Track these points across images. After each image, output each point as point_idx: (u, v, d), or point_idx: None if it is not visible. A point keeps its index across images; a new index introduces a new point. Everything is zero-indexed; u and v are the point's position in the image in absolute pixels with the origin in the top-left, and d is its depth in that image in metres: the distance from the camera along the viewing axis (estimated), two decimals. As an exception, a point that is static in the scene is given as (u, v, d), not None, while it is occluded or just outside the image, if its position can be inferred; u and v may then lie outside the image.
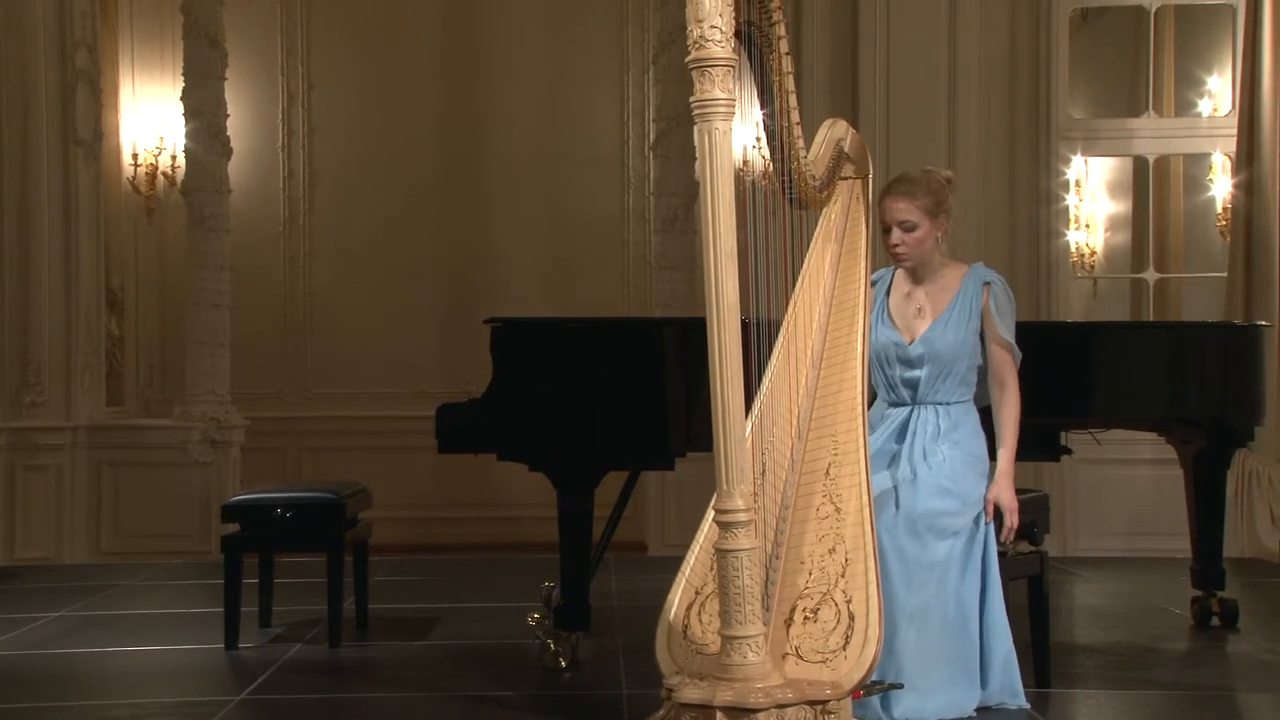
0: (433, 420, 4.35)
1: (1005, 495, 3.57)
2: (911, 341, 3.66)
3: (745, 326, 2.97)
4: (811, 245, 3.72)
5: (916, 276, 3.72)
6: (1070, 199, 7.41)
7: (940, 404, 3.62)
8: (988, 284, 3.66)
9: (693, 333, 4.25)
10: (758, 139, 3.38)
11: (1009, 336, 3.65)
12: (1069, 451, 5.02)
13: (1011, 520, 3.57)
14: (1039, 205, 7.07)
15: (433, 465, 7.09)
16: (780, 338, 3.54)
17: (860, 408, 3.37)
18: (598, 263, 8.12)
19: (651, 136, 7.76)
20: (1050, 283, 7.06)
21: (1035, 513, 3.80)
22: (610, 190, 8.18)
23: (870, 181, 3.77)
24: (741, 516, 2.94)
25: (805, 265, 3.68)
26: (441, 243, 8.16)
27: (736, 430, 2.91)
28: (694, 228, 7.17)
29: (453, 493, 7.87)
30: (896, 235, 3.64)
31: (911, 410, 3.65)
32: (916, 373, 3.65)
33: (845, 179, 3.75)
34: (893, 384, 3.70)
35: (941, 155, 6.84)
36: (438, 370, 7.97)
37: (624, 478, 4.89)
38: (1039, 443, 4.94)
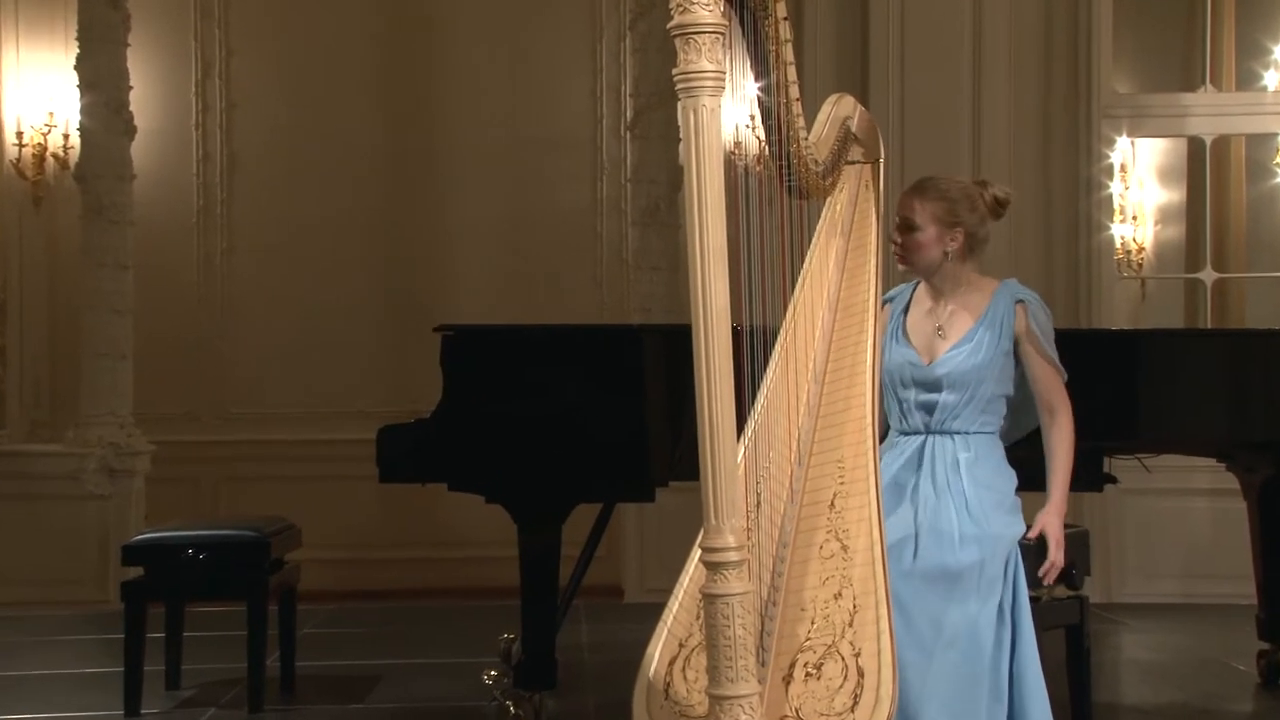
0: (373, 445, 4.35)
1: (1054, 526, 3.62)
2: (930, 362, 3.69)
3: (737, 335, 2.98)
4: (813, 240, 3.74)
5: (939, 292, 3.75)
6: (1114, 187, 7.46)
7: (959, 433, 3.65)
8: (1021, 302, 3.68)
9: (676, 342, 4.25)
10: (751, 117, 3.39)
11: (1055, 358, 3.68)
12: (1114, 480, 5.05)
13: (1056, 557, 3.61)
14: (1078, 195, 7.12)
15: (373, 497, 7.08)
16: (778, 348, 3.55)
17: (870, 429, 3.38)
18: (566, 261, 8.13)
19: (629, 115, 7.79)
20: (1091, 284, 7.10)
21: (1075, 552, 3.82)
22: (581, 177, 8.20)
23: (882, 167, 3.80)
24: (733, 556, 2.92)
25: (806, 264, 3.70)
26: (385, 237, 8.16)
27: (727, 456, 2.89)
28: (678, 220, 7.19)
29: (397, 529, 7.86)
30: (894, 231, 3.71)
31: (926, 439, 3.68)
32: (934, 397, 3.67)
33: (852, 164, 3.78)
34: (907, 409, 3.72)
35: (964, 137, 6.88)
36: (379, 386, 7.96)
37: (596, 511, 4.91)
38: (1078, 470, 4.97)
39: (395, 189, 8.18)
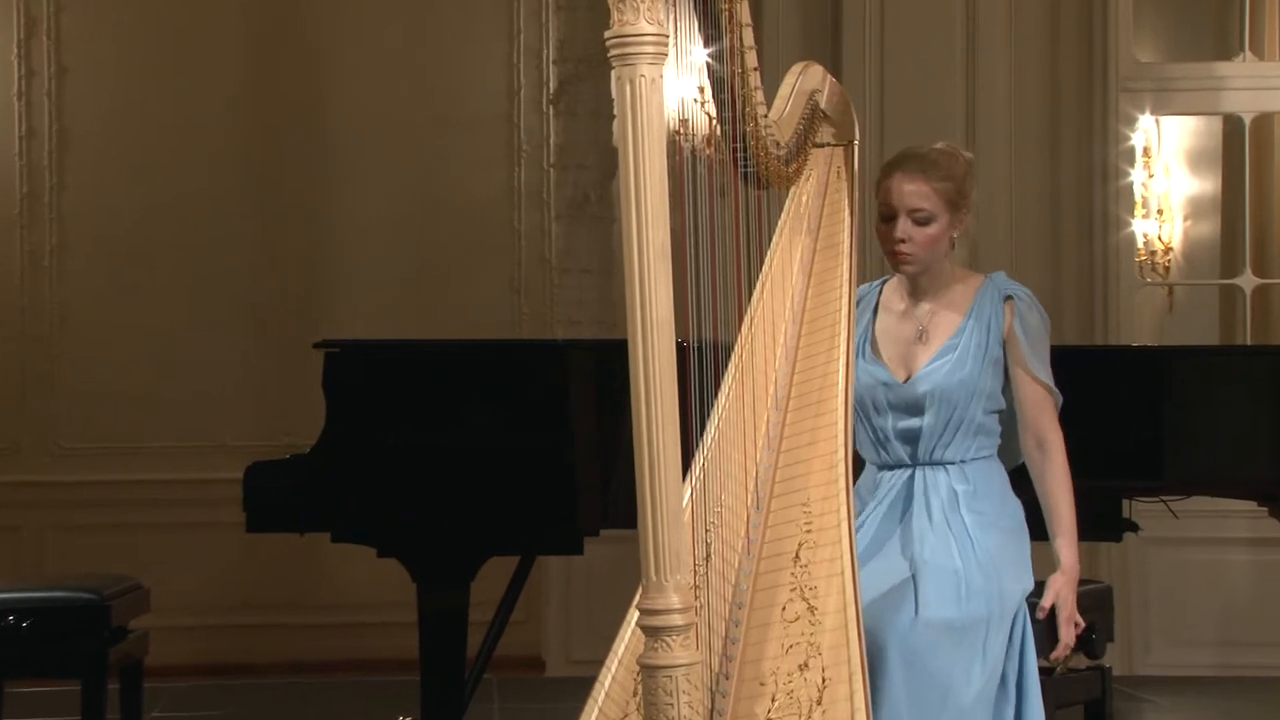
0: (239, 486, 4.34)
1: (1067, 598, 3.62)
2: (908, 379, 3.71)
3: (682, 352, 2.98)
4: (775, 238, 3.76)
5: (916, 290, 3.77)
6: (1135, 175, 7.52)
7: (951, 463, 3.67)
8: (1010, 298, 3.71)
9: (609, 360, 4.28)
10: (700, 90, 3.42)
11: (1044, 374, 3.68)
12: (1135, 528, 5.12)
13: (1067, 637, 3.63)
14: (1092, 184, 7.18)
15: (239, 550, 7.03)
16: (731, 368, 3.55)
17: (842, 466, 3.40)
18: (477, 262, 8.11)
19: (552, 86, 7.80)
20: (1108, 291, 7.16)
21: (1095, 613, 3.88)
22: (494, 161, 8.18)
23: (856, 150, 3.83)
24: (677, 619, 2.94)
25: (766, 267, 3.71)
26: (254, 233, 8.11)
27: (670, 498, 2.91)
28: (612, 214, 7.21)
29: (268, 590, 7.80)
30: (904, 228, 3.68)
31: (913, 473, 3.70)
32: (916, 422, 3.69)
33: (821, 146, 3.81)
34: (883, 439, 3.73)
35: (956, 115, 6.94)
36: (247, 415, 7.91)
37: (513, 566, 4.91)
38: (1094, 516, 5.02)
39: (267, 175, 8.12)
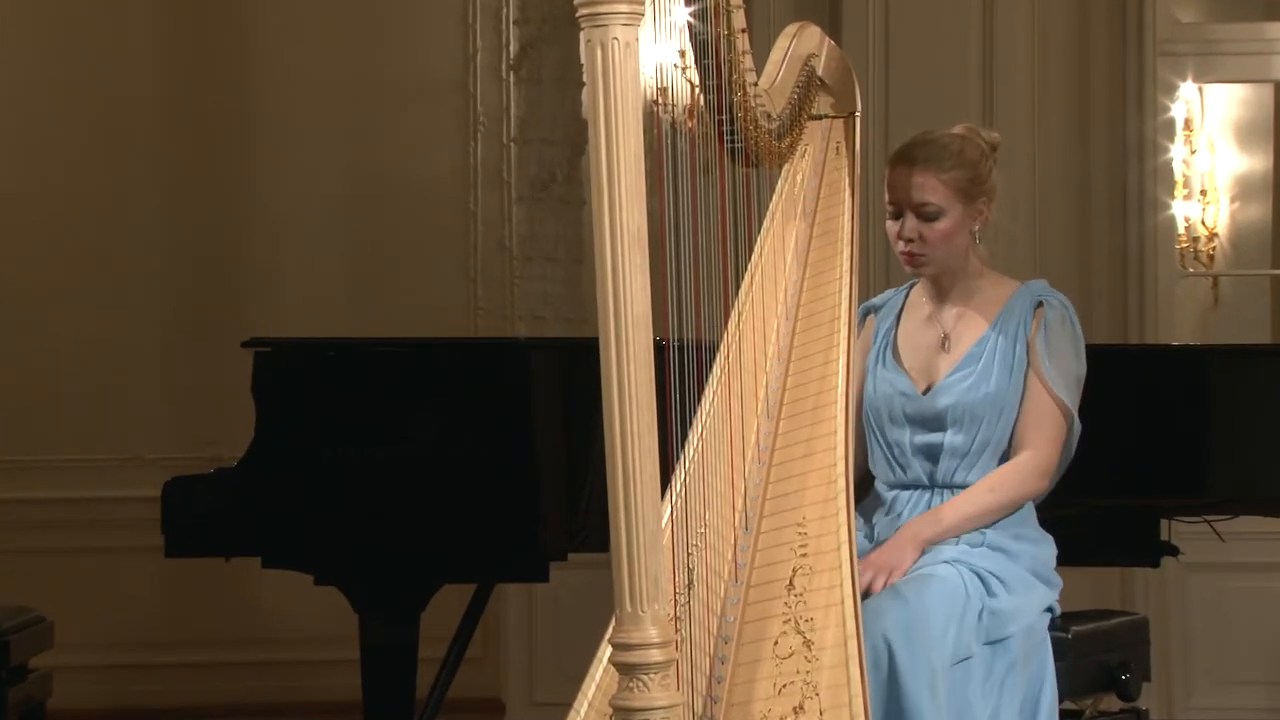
0: (156, 505, 4.33)
1: (912, 530, 3.60)
2: (928, 390, 3.74)
3: (661, 351, 3.00)
4: (766, 223, 3.79)
5: (939, 291, 3.82)
6: (1176, 150, 7.50)
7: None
8: (1041, 304, 3.74)
9: (578, 362, 4.28)
10: (681, 54, 3.43)
11: (1062, 391, 3.70)
12: (1174, 552, 5.13)
13: (882, 558, 3.56)
14: (1126, 162, 7.17)
15: (157, 578, 7.05)
16: (716, 370, 3.57)
17: (842, 480, 3.42)
18: (427, 250, 8.08)
19: (513, 50, 7.79)
20: (1144, 283, 7.16)
21: (1126, 650, 3.89)
22: (448, 135, 8.15)
23: (858, 123, 3.85)
24: (655, 655, 2.94)
25: (756, 255, 3.74)
26: (174, 219, 8.07)
27: (647, 517, 2.91)
28: (581, 195, 7.20)
29: (190, 623, 7.77)
30: (911, 226, 3.72)
31: (931, 497, 3.73)
32: (937, 438, 3.71)
33: (818, 119, 3.84)
34: (898, 455, 3.77)
35: (971, 83, 6.93)
36: (166, 424, 7.88)
37: (468, 595, 4.91)
38: (1126, 538, 5.06)
39: (185, 152, 8.08)
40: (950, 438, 3.69)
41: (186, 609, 7.71)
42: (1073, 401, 3.71)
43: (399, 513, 4.43)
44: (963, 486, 3.69)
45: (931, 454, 3.71)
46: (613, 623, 2.97)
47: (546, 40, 7.24)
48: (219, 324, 7.23)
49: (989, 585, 3.57)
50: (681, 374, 3.31)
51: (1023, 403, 3.69)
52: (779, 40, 3.72)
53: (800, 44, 3.72)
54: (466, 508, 4.46)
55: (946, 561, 3.58)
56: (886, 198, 3.76)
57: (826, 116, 3.85)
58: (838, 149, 3.83)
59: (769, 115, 3.57)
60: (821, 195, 3.82)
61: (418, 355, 4.70)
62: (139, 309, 8.02)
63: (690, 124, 3.41)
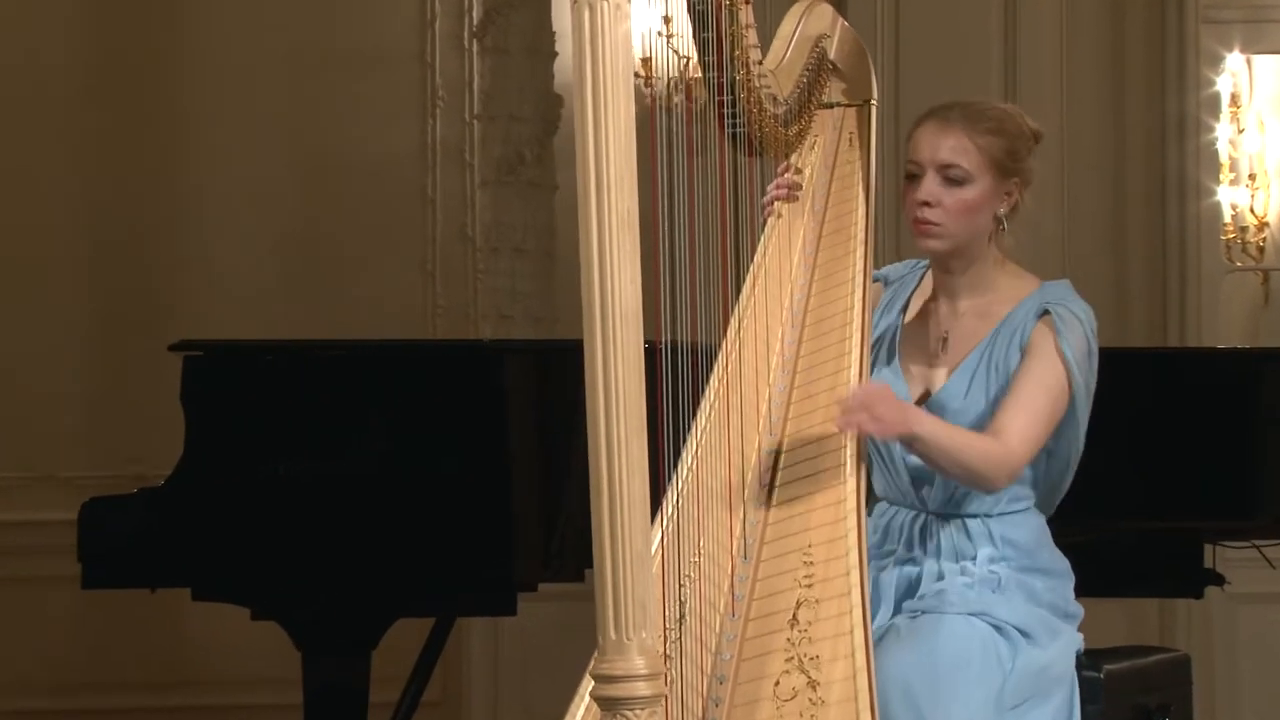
0: (73, 529, 4.31)
1: (904, 413, 3.52)
2: (924, 398, 3.73)
3: (651, 355, 2.98)
4: (770, 221, 3.79)
5: (950, 277, 3.78)
6: (1221, 130, 7.53)
7: (973, 516, 3.69)
8: (1048, 312, 3.65)
9: (552, 367, 4.28)
10: (666, 20, 3.40)
11: (1031, 420, 3.59)
12: (1220, 581, 5.14)
13: (857, 398, 3.46)
14: (1165, 142, 7.21)
15: (77, 611, 7.02)
16: (714, 381, 3.58)
17: (853, 502, 3.43)
18: (379, 240, 8.07)
19: (475, 15, 7.80)
20: (1185, 278, 7.18)
21: (1165, 691, 3.89)
22: (403, 111, 8.16)
23: (874, 111, 3.86)
24: (641, 688, 2.91)
25: (760, 256, 3.75)
26: (90, 206, 8.06)
27: (634, 533, 2.89)
28: (553, 178, 7.21)
29: (112, 662, 7.76)
30: (930, 188, 3.67)
31: (925, 520, 3.73)
32: None
33: (829, 107, 3.85)
34: (894, 470, 3.77)
35: (993, 57, 6.96)
36: (83, 438, 7.88)
37: (426, 629, 4.90)
38: (1165, 566, 5.06)
39: (107, 131, 8.08)
40: None
41: (107, 647, 7.69)
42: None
43: (347, 537, 4.46)
44: (959, 516, 3.68)
45: (923, 476, 3.71)
46: (595, 655, 2.94)
47: (514, 4, 7.24)
48: (143, 324, 7.24)
49: (1011, 639, 3.57)
50: (674, 382, 3.31)
51: (1009, 390, 3.63)
52: (786, 18, 3.76)
53: (810, 23, 3.75)
54: (423, 532, 4.49)
55: (964, 614, 3.57)
56: (908, 158, 3.73)
57: (839, 105, 3.85)
58: (850, 140, 3.85)
59: (774, 98, 3.59)
60: (832, 190, 3.84)
61: (368, 360, 4.73)
62: (52, 308, 8.00)
63: (682, 102, 3.40)
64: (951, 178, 3.64)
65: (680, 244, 3.28)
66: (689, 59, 3.40)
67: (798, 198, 3.83)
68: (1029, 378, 3.61)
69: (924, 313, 3.80)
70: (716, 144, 3.46)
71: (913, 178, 3.68)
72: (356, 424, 4.52)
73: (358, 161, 8.10)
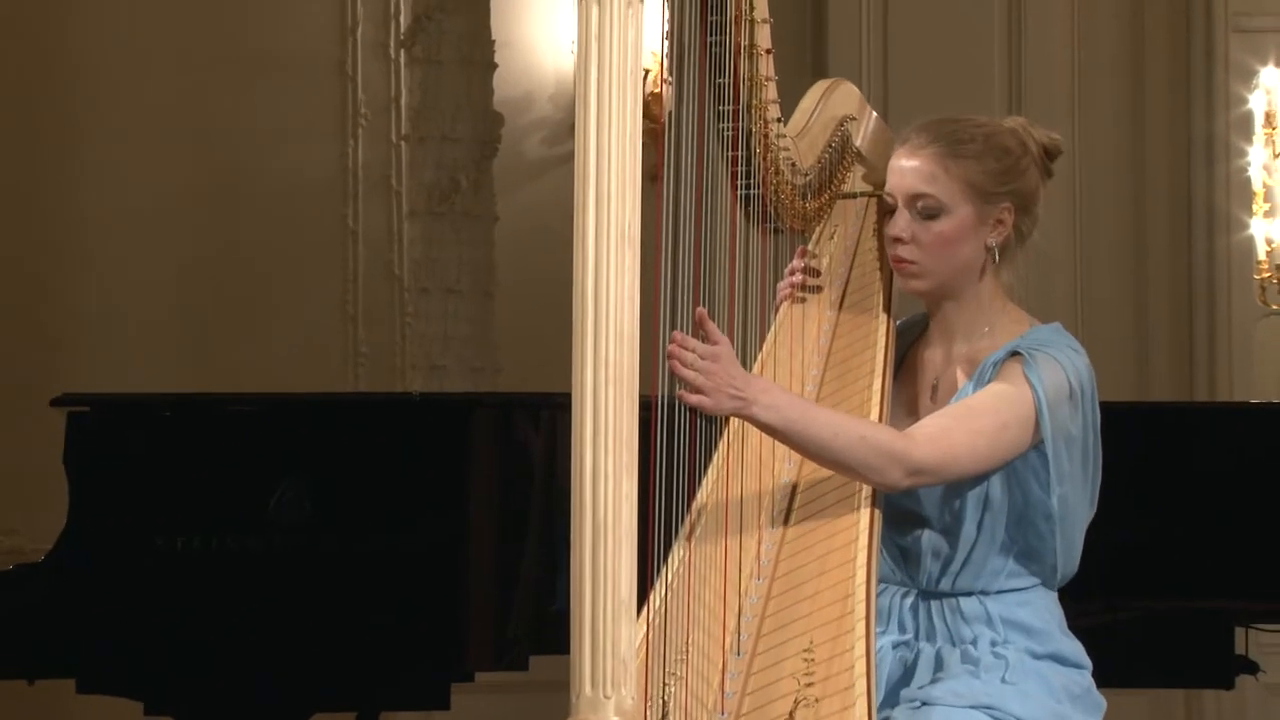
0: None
1: (757, 391, 3.53)
2: None
3: (646, 411, 3.00)
4: (784, 307, 3.96)
5: (948, 325, 3.86)
6: (1254, 154, 7.56)
7: (966, 594, 3.76)
8: (1017, 354, 3.67)
9: (492, 423, 4.32)
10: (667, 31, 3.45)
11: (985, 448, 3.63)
12: (1254, 669, 5.20)
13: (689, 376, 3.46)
14: (1190, 167, 7.28)
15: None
16: (717, 461, 3.69)
17: (863, 594, 3.50)
18: (293, 279, 8.10)
19: (404, 21, 7.83)
20: (1214, 321, 7.25)
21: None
22: (320, 130, 8.18)
23: None
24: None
25: (771, 340, 3.84)
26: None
27: (619, 579, 2.94)
28: (492, 208, 7.25)
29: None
30: (903, 222, 3.74)
31: (916, 602, 3.80)
32: (915, 534, 3.78)
33: (852, 196, 3.96)
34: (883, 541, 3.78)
35: (997, 68, 7.04)
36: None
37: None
38: (1193, 651, 5.10)
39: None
40: (929, 538, 3.75)
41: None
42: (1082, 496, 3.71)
43: (254, 620, 4.46)
44: (953, 594, 3.74)
45: (910, 555, 3.78)
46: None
47: (447, 9, 7.28)
48: (23, 377, 7.36)
49: None
50: (670, 446, 3.36)
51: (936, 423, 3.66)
52: (808, 94, 3.86)
53: (834, 102, 3.86)
54: (344, 613, 4.48)
55: (972, 707, 3.62)
56: (885, 187, 3.82)
57: (863, 194, 3.95)
58: (873, 231, 3.92)
59: (794, 166, 3.67)
60: (851, 279, 3.95)
61: (280, 416, 4.74)
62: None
63: (656, 89, 3.43)
64: (924, 210, 3.73)
65: (684, 282, 3.35)
66: (663, 70, 3.46)
67: (815, 285, 3.92)
68: (972, 396, 3.68)
69: (918, 361, 3.90)
70: (728, 206, 3.54)
71: (890, 211, 3.79)
72: (266, 490, 4.51)
73: (269, 187, 8.09)
